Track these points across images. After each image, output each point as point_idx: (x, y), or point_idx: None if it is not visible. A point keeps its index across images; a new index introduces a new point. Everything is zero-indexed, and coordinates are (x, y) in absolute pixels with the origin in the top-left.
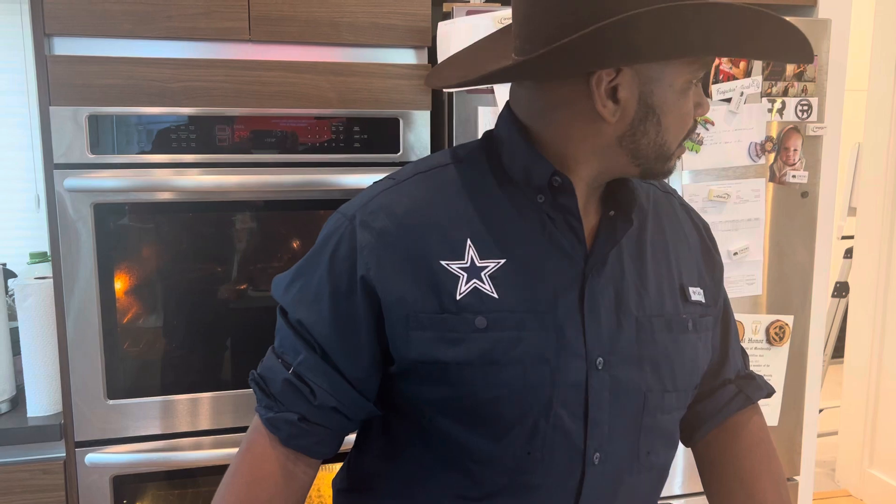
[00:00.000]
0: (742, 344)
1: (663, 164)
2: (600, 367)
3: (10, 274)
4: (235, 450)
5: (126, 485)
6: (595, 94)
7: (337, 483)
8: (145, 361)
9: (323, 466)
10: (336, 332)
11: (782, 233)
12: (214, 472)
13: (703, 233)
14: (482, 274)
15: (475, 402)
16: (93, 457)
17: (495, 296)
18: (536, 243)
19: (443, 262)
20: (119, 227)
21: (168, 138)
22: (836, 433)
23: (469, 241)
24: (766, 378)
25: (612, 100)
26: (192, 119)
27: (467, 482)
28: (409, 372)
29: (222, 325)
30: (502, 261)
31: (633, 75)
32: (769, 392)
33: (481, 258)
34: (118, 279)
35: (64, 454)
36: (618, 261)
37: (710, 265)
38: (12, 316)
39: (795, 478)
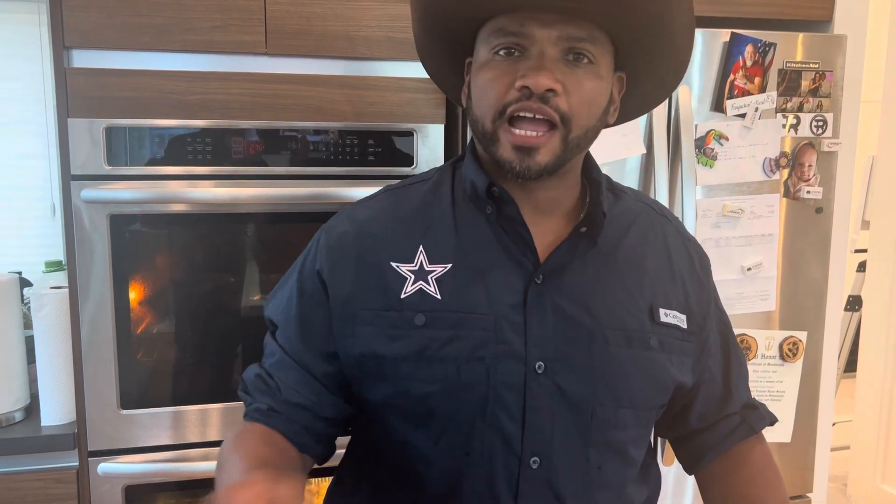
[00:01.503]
0: (755, 360)
1: (490, 147)
2: (540, 372)
3: (25, 283)
4: None
5: (138, 494)
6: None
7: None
8: (158, 371)
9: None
10: (301, 331)
11: (796, 248)
12: None
13: (696, 263)
14: (429, 277)
15: (412, 398)
16: (105, 466)
17: (438, 296)
18: (486, 251)
19: (393, 264)
20: (134, 237)
21: (184, 150)
22: (848, 447)
23: (421, 247)
24: (778, 394)
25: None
26: (208, 131)
27: (415, 484)
28: (355, 370)
29: (234, 335)
30: (449, 265)
31: (474, 62)
32: (772, 421)
33: (430, 263)
34: (132, 289)
35: (77, 463)
36: (580, 273)
37: (698, 294)
38: (27, 324)
39: (808, 495)
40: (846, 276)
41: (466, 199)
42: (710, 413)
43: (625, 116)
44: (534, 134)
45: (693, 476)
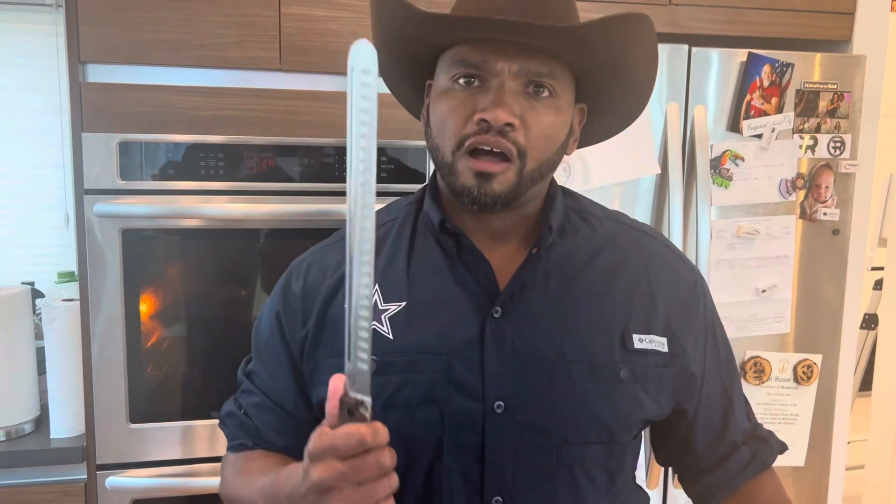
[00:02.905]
0: (768, 383)
1: (449, 177)
2: (500, 411)
3: (37, 293)
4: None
5: None
6: None
7: None
8: (167, 385)
9: None
10: (270, 372)
11: (812, 270)
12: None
13: (685, 281)
14: (382, 317)
15: None
16: (113, 480)
17: (391, 337)
18: (442, 285)
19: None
20: (146, 252)
21: (197, 165)
22: (862, 467)
23: (377, 286)
24: (792, 417)
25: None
26: (221, 147)
27: None
28: (321, 414)
29: (245, 350)
30: (403, 303)
31: (434, 86)
32: (782, 450)
33: (385, 302)
34: (143, 303)
35: (85, 476)
36: (542, 302)
37: (685, 314)
38: (38, 335)
39: None
40: (862, 294)
41: (426, 235)
42: (712, 443)
43: (584, 143)
44: (492, 160)
45: None
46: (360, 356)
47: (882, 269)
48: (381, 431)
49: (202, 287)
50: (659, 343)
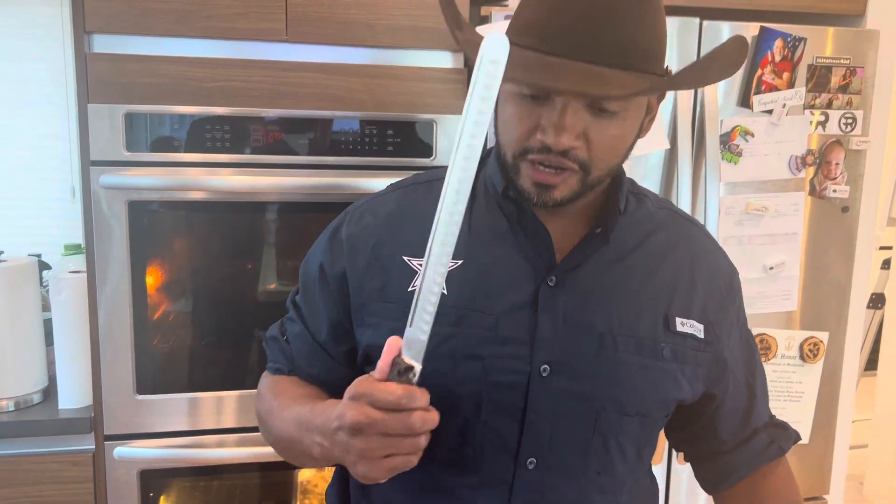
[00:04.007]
0: (774, 360)
1: (511, 174)
2: (545, 375)
3: (44, 265)
4: (260, 448)
5: (153, 479)
6: None
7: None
8: (174, 357)
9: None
10: (314, 308)
11: (820, 247)
12: (239, 469)
13: (724, 275)
14: None
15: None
16: (121, 450)
17: (445, 292)
18: (500, 249)
19: (405, 258)
20: (152, 224)
21: (203, 137)
22: (866, 446)
23: None
24: (797, 395)
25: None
26: (227, 119)
27: (416, 475)
28: (364, 357)
29: (251, 322)
30: (460, 262)
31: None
32: (797, 439)
33: None
34: (150, 275)
35: (93, 447)
36: (594, 276)
37: (718, 306)
38: (46, 307)
39: (825, 497)
40: (870, 273)
41: (488, 196)
42: (736, 427)
43: None
44: (552, 172)
45: (711, 496)
46: (422, 326)
47: (890, 248)
48: (419, 397)
49: (209, 260)
50: (697, 329)
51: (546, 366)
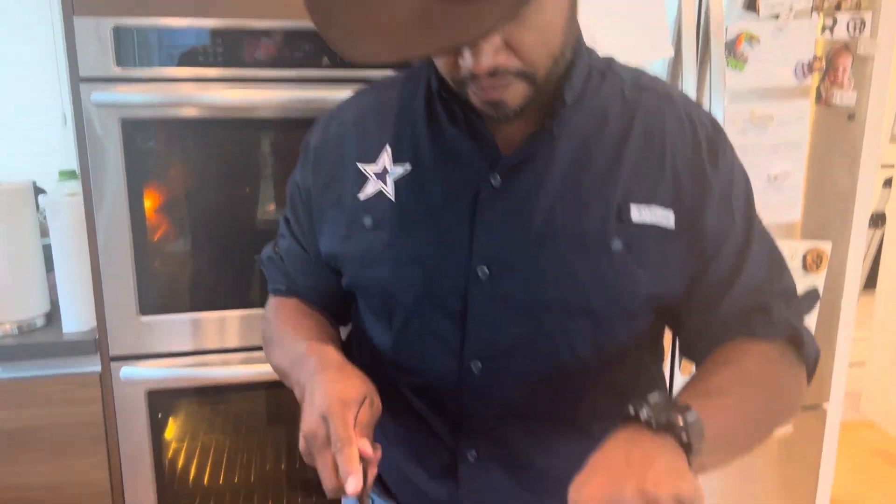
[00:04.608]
0: None
1: (461, 91)
2: (483, 278)
3: (39, 191)
4: (264, 367)
5: (160, 400)
6: None
7: None
8: (176, 278)
9: None
10: (298, 220)
11: (825, 157)
12: (245, 389)
13: (702, 148)
14: (388, 177)
15: (361, 293)
16: (127, 371)
17: (392, 199)
18: (448, 150)
19: (359, 165)
20: (147, 143)
21: (195, 52)
22: (863, 364)
23: (387, 146)
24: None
25: None
26: (219, 32)
27: (382, 373)
28: (327, 261)
29: (251, 241)
30: (409, 166)
31: None
32: (790, 336)
33: (394, 163)
34: (147, 197)
35: (99, 368)
36: (541, 173)
37: (697, 185)
38: (44, 233)
39: (823, 405)
40: (875, 185)
41: (436, 98)
42: (701, 312)
43: None
44: (495, 88)
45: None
46: None
47: (892, 166)
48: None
49: (207, 180)
50: (663, 216)
51: (485, 268)
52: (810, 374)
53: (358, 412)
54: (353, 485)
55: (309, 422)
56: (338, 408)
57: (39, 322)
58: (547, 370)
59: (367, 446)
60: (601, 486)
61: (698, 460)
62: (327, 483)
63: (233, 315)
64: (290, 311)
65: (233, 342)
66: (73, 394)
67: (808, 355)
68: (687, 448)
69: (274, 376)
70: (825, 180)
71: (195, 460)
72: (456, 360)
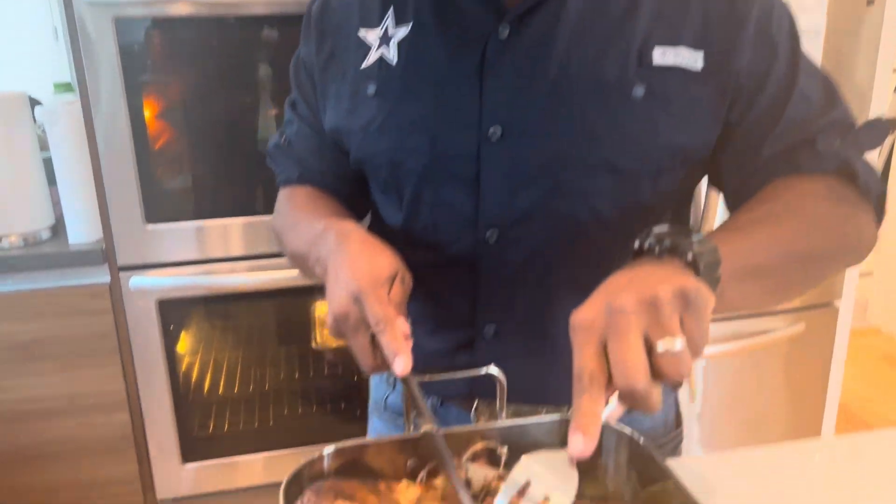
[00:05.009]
0: None
1: None
2: (494, 140)
3: (35, 102)
4: (272, 274)
5: (171, 310)
6: None
7: None
8: (180, 186)
9: None
10: (304, 100)
11: (842, 47)
12: (252, 297)
13: None
14: (391, 41)
15: (369, 167)
16: (136, 280)
17: (394, 63)
18: (451, 7)
19: (361, 31)
20: (143, 45)
21: None
22: (870, 274)
23: (391, 7)
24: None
25: None
26: None
27: (398, 248)
28: (333, 139)
29: (254, 147)
30: (411, 24)
31: None
32: (840, 169)
33: (396, 24)
34: (146, 105)
35: (108, 279)
36: (552, 21)
37: (726, 19)
38: (43, 147)
39: (835, 303)
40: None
41: None
42: (752, 139)
43: None
44: None
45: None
46: None
47: None
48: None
49: (206, 83)
50: (690, 58)
51: (498, 127)
52: (878, 211)
53: (390, 290)
54: (402, 365)
55: (339, 302)
56: (371, 287)
57: (45, 235)
58: (566, 235)
59: (405, 325)
60: (599, 303)
61: (715, 289)
62: (366, 362)
63: (237, 222)
64: (303, 197)
65: (238, 250)
66: (84, 305)
67: (866, 188)
68: (694, 268)
69: (282, 284)
70: (842, 71)
71: (209, 373)
72: (470, 230)
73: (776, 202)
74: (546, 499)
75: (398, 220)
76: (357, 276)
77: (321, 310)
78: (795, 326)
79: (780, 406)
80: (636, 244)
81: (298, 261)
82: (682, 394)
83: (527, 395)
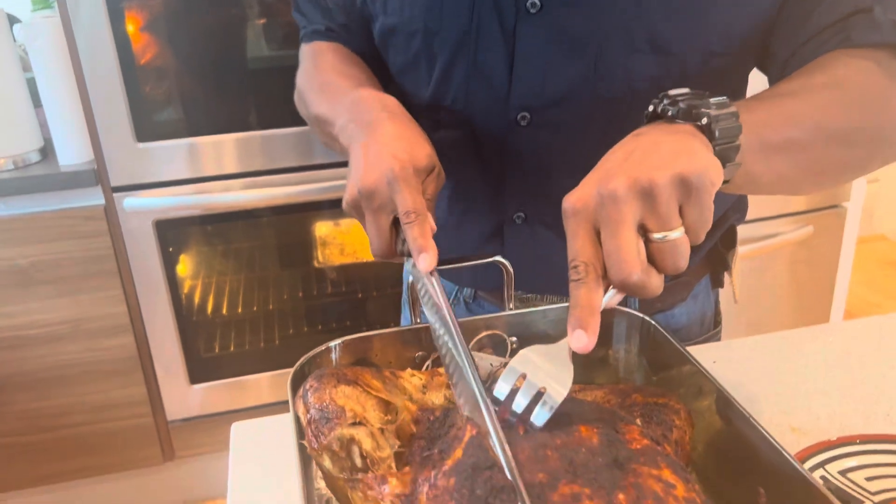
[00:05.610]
0: None
1: None
2: (534, 10)
3: (14, 20)
4: (264, 192)
5: (169, 230)
6: None
7: None
8: (170, 103)
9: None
10: None
11: None
12: (250, 215)
13: None
14: None
15: (399, 37)
16: (131, 201)
17: None
18: None
19: None
20: None
21: None
22: (877, 180)
23: None
24: None
25: None
26: None
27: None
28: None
29: (245, 60)
30: None
31: None
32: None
33: None
34: (129, 17)
35: (103, 201)
36: None
37: None
38: (26, 68)
39: (843, 204)
40: None
41: None
42: (801, 8)
43: None
44: None
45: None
46: None
47: None
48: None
49: None
50: None
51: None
52: None
53: (425, 182)
54: (428, 262)
55: (370, 178)
56: (410, 174)
57: (34, 157)
58: (602, 119)
59: (433, 221)
60: (591, 186)
61: (733, 159)
62: (381, 246)
63: (230, 139)
64: (333, 56)
65: (232, 167)
66: (80, 228)
67: None
68: (708, 133)
69: (280, 201)
70: None
71: (212, 294)
72: (502, 108)
73: (816, 74)
74: (542, 390)
75: (425, 94)
76: (397, 156)
77: (320, 231)
78: (804, 229)
79: (786, 310)
80: (650, 108)
81: (321, 124)
82: (726, 292)
83: (559, 286)
